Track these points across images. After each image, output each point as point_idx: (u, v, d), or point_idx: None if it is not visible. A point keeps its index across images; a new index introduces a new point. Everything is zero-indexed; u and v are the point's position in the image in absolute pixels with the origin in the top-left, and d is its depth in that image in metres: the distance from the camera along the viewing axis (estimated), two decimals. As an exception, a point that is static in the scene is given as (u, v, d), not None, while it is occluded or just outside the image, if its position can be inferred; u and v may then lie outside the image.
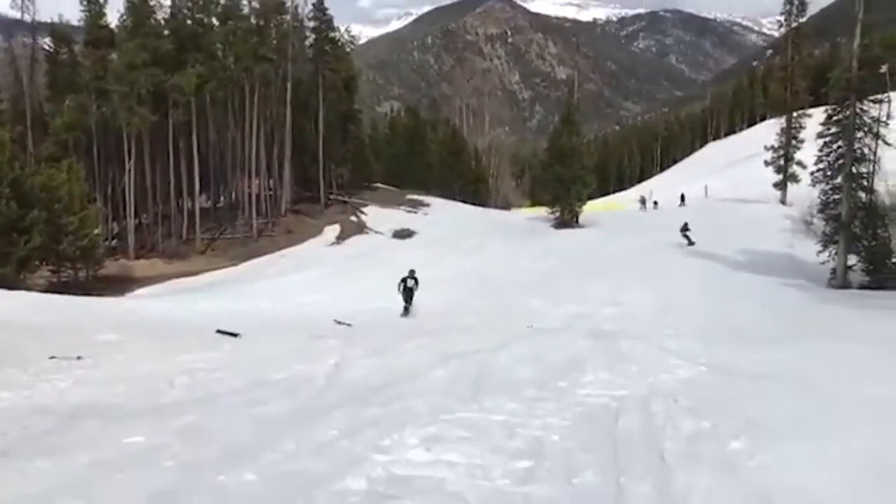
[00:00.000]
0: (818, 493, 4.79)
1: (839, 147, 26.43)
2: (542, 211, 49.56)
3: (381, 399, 8.14)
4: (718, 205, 49.78)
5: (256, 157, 49.73)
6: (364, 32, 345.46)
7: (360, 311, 21.20)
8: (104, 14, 48.26)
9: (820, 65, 66.05)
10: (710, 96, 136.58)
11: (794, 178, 46.98)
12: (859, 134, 25.97)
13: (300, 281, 32.54)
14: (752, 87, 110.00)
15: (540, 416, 7.14)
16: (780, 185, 48.93)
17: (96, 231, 38.03)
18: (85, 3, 47.75)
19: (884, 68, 29.32)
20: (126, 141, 45.19)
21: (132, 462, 5.72)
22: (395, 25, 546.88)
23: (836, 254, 25.88)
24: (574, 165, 45.28)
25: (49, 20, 52.93)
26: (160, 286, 37.63)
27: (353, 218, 50.70)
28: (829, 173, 26.84)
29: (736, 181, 59.77)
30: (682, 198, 52.98)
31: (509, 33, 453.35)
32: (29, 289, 26.77)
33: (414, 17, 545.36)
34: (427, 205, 55.70)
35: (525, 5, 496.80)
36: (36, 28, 52.02)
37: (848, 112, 26.06)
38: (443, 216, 51.78)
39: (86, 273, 37.26)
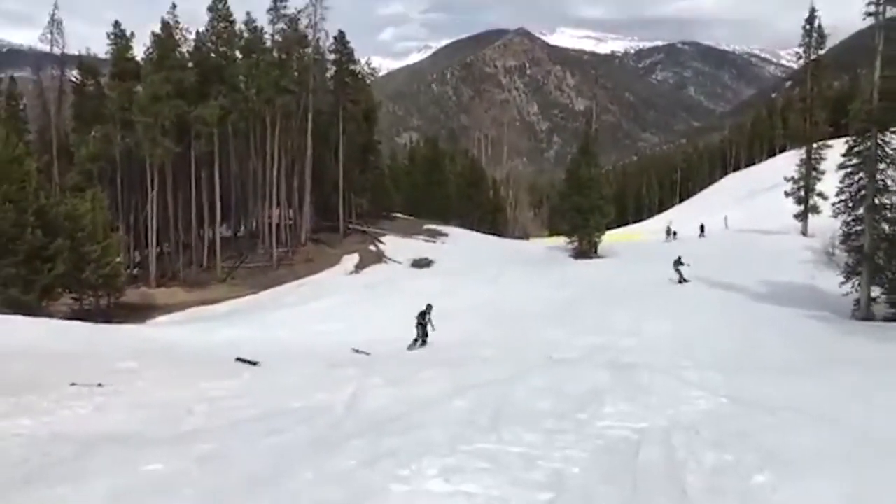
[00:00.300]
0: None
1: (861, 178, 26.21)
2: (561, 241, 49.48)
3: (399, 428, 8.10)
4: (739, 236, 49.44)
5: (277, 186, 50.18)
6: (384, 65, 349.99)
7: (379, 340, 21.17)
8: (131, 47, 49.38)
9: (840, 96, 65.84)
10: (728, 127, 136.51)
11: (815, 210, 46.64)
12: (881, 165, 25.75)
13: (319, 309, 32.59)
14: (771, 119, 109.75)
15: (560, 448, 7.07)
16: (801, 217, 48.57)
17: (118, 259, 38.45)
18: (112, 36, 48.90)
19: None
20: (149, 171, 45.84)
21: (151, 490, 5.74)
22: (415, 58, 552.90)
23: (859, 285, 25.52)
24: (592, 196, 45.27)
25: (77, 53, 54.21)
26: (181, 314, 37.85)
27: (372, 247, 50.86)
28: (850, 204, 26.58)
29: (756, 212, 59.40)
30: (702, 228, 52.61)
31: (528, 65, 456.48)
32: (51, 316, 27.13)
33: (433, 49, 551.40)
34: (445, 234, 55.78)
35: (543, 38, 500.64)
36: (64, 61, 53.31)
37: (869, 143, 25.88)
38: (461, 246, 51.82)
39: (107, 301, 37.63)
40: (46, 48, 51.59)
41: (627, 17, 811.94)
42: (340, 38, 55.80)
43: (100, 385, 10.73)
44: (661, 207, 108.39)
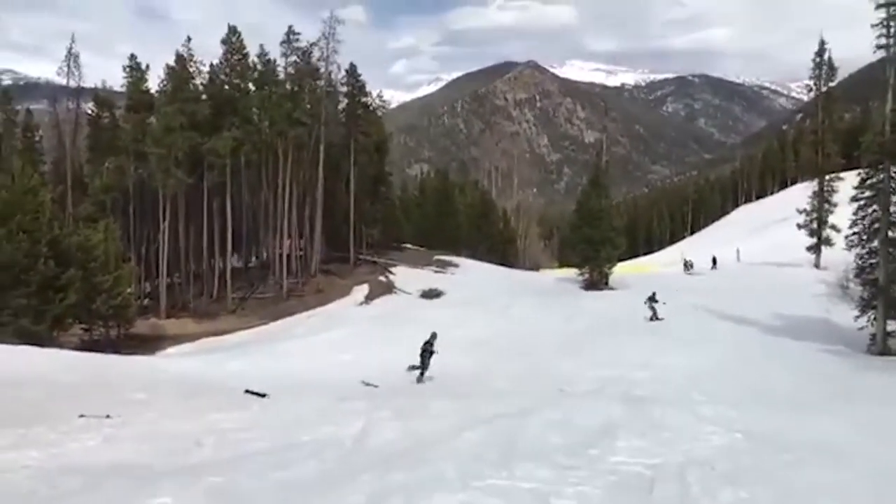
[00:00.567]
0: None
1: (874, 211, 26.05)
2: (571, 272, 49.29)
3: (409, 463, 8.00)
4: (751, 268, 49.16)
5: (288, 217, 50.40)
6: (396, 97, 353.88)
7: (388, 372, 21.06)
8: (146, 79, 50.14)
9: (851, 128, 65.94)
10: (739, 159, 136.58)
11: (828, 242, 46.36)
12: (895, 198, 25.64)
13: (328, 341, 32.50)
14: (782, 151, 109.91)
15: (572, 485, 6.95)
16: (814, 249, 48.28)
17: (129, 290, 38.58)
18: (128, 69, 49.69)
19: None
20: (161, 202, 46.21)
21: (158, 525, 5.66)
22: (426, 90, 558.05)
23: (874, 319, 25.23)
24: (603, 227, 45.17)
25: (93, 86, 55.02)
26: (190, 345, 37.84)
27: (382, 278, 50.82)
28: (864, 237, 26.38)
29: (768, 244, 59.12)
30: (714, 261, 52.29)
31: (538, 98, 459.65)
32: (61, 346, 27.12)
33: (444, 82, 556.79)
34: (455, 265, 55.73)
35: (554, 71, 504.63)
36: (80, 93, 54.10)
37: (882, 176, 25.78)
38: (471, 277, 51.74)
39: (117, 331, 37.69)
40: (63, 81, 52.41)
41: (637, 49, 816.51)
42: (352, 71, 56.43)
43: (108, 417, 10.69)
44: (673, 239, 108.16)
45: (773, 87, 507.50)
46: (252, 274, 52.78)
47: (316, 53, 53.06)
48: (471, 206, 79.54)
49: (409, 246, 64.43)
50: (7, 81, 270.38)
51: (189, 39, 50.21)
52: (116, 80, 51.53)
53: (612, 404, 13.20)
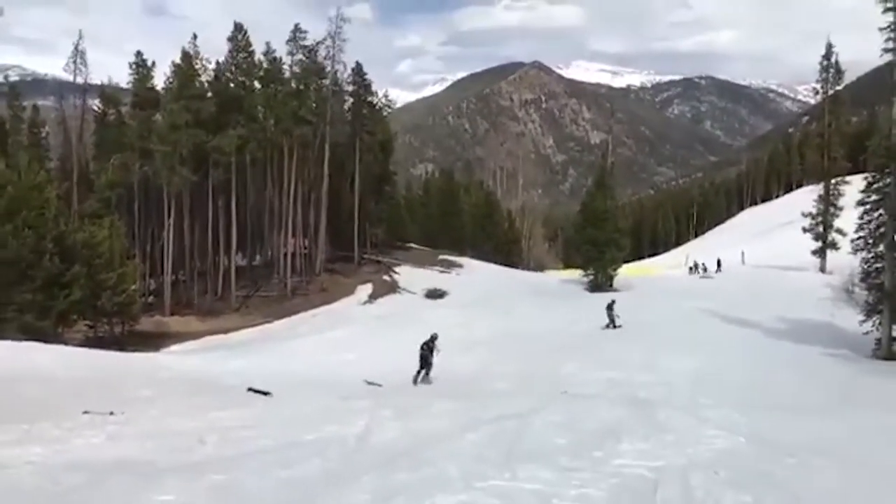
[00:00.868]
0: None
1: (880, 215, 25.98)
2: (576, 274, 49.23)
3: (412, 463, 8.00)
4: (755, 272, 49.05)
5: (293, 216, 50.44)
6: (401, 97, 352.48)
7: (391, 372, 21.06)
8: (152, 76, 50.27)
9: (858, 132, 65.67)
10: (745, 162, 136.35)
11: (834, 246, 46.21)
12: (901, 202, 25.56)
13: (332, 339, 32.56)
14: (788, 154, 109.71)
15: (575, 487, 6.94)
16: (819, 253, 48.13)
17: (134, 287, 38.66)
18: (134, 66, 49.82)
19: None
20: (166, 199, 46.33)
21: (161, 522, 5.67)
22: (432, 90, 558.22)
23: (879, 324, 25.15)
24: (608, 228, 45.11)
25: (99, 82, 55.12)
26: (194, 343, 37.91)
27: (386, 277, 50.85)
28: (870, 241, 26.32)
29: (773, 248, 59.01)
30: (718, 263, 52.10)
31: (543, 99, 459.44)
32: (65, 343, 27.18)
33: (450, 82, 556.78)
34: (460, 265, 55.72)
35: (559, 72, 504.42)
36: (86, 90, 54.23)
37: (888, 180, 25.72)
38: (475, 277, 51.73)
39: (122, 328, 37.77)
40: (69, 77, 52.54)
41: (643, 51, 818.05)
42: (358, 70, 56.45)
43: (112, 413, 10.71)
44: (678, 242, 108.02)
45: (779, 89, 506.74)
46: (256, 272, 52.85)
47: (322, 52, 53.17)
48: (475, 206, 79.52)
49: (413, 245, 64.46)
50: (14, 77, 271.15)
51: (195, 37, 50.31)
52: (123, 76, 51.72)
53: (616, 407, 13.18)
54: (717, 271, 50.88)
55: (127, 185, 47.98)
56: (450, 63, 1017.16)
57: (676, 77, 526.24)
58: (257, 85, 52.31)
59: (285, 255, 49.79)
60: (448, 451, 8.86)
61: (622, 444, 9.32)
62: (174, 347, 36.81)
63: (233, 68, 51.75)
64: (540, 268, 77.81)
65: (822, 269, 45.98)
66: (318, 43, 52.84)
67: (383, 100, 60.49)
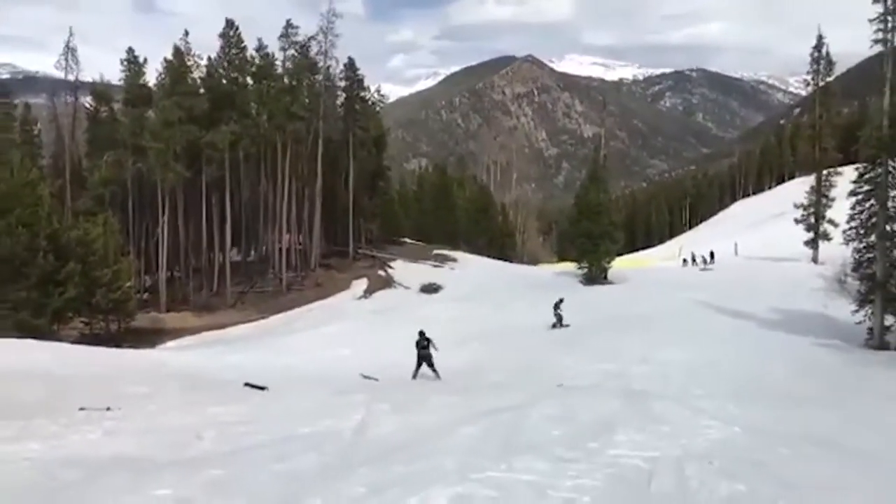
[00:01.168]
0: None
1: (871, 205, 26.11)
2: (570, 267, 49.33)
3: (407, 456, 8.04)
4: (749, 263, 49.23)
5: (287, 212, 50.43)
6: (394, 91, 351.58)
7: (387, 366, 21.12)
8: (144, 73, 50.02)
9: (848, 123, 65.93)
10: (737, 154, 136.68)
11: (826, 237, 46.41)
12: (892, 192, 25.67)
13: (328, 334, 32.58)
14: (780, 146, 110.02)
15: (571, 478, 6.98)
16: (812, 244, 48.33)
17: (129, 284, 38.60)
18: (126, 63, 49.58)
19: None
20: (160, 196, 46.22)
21: (159, 516, 5.69)
22: (424, 85, 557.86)
23: (872, 314, 25.31)
24: (602, 221, 45.18)
25: (91, 80, 54.83)
26: (190, 339, 37.90)
27: (381, 272, 50.90)
28: (861, 232, 26.44)
29: (766, 239, 59.20)
30: (712, 255, 52.13)
31: (536, 92, 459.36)
32: (61, 340, 27.16)
33: (442, 76, 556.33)
34: (454, 260, 55.79)
35: (552, 65, 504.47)
36: (78, 87, 53.97)
37: (880, 170, 25.84)
38: (470, 271, 51.80)
39: (117, 325, 37.74)
40: (61, 75, 52.24)
41: (635, 44, 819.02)
42: (350, 65, 56.35)
43: (109, 409, 10.72)
44: (671, 234, 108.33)
45: (770, 81, 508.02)
46: (251, 268, 52.82)
47: (314, 47, 53.08)
48: (469, 200, 79.63)
49: (407, 240, 64.49)
50: (5, 75, 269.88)
51: (187, 33, 50.12)
52: (114, 73, 51.47)
53: (611, 398, 13.25)
54: (710, 263, 50.94)
55: (120, 182, 47.85)
56: (442, 57, 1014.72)
57: (668, 70, 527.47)
58: (250, 81, 52.19)
59: (280, 250, 49.79)
60: (444, 443, 8.90)
61: (617, 436, 9.38)
62: (170, 343, 36.80)
63: (225, 64, 51.57)
64: (534, 261, 77.97)
65: (815, 260, 46.21)
66: (310, 38, 52.76)
67: (376, 95, 60.48)
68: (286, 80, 52.16)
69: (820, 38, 49.96)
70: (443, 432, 9.71)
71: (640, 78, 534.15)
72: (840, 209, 34.06)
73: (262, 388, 14.56)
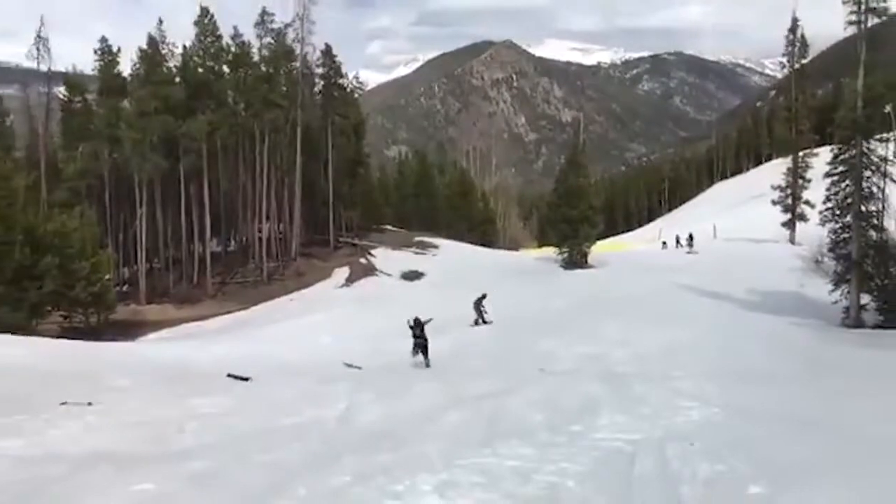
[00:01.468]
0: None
1: (847, 186, 26.43)
2: (550, 251, 49.49)
3: (392, 444, 8.08)
4: (727, 245, 49.63)
5: (267, 201, 50.06)
6: (372, 78, 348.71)
7: (370, 354, 21.11)
8: (118, 62, 49.24)
9: (824, 105, 66.53)
10: (715, 137, 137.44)
11: (803, 218, 46.92)
12: (867, 173, 26.02)
13: (310, 324, 32.48)
14: (756, 128, 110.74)
15: (554, 461, 7.06)
16: (789, 225, 48.86)
17: (108, 276, 38.18)
18: (99, 52, 48.82)
19: (888, 108, 29.43)
20: (137, 187, 45.68)
21: (143, 510, 5.68)
22: (403, 71, 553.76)
23: (848, 293, 25.69)
24: (582, 206, 45.32)
25: (64, 70, 53.93)
26: (171, 331, 37.63)
27: (363, 260, 50.74)
28: (837, 212, 26.78)
29: (744, 221, 59.66)
30: (691, 238, 52.29)
31: (514, 78, 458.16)
32: (40, 334, 26.83)
33: (421, 62, 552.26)
34: (435, 246, 55.74)
35: (530, 50, 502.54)
36: (51, 77, 53.07)
37: (855, 151, 26.15)
38: (451, 257, 51.80)
39: (97, 318, 37.32)
40: (33, 65, 51.32)
41: (613, 28, 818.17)
42: (328, 52, 55.80)
43: (90, 404, 10.63)
44: (650, 217, 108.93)
45: (747, 64, 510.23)
46: (231, 258, 52.46)
47: (290, 35, 52.48)
48: (450, 186, 79.57)
49: (389, 228, 64.32)
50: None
51: (161, 22, 49.35)
52: (87, 63, 50.65)
53: (593, 382, 13.37)
54: (689, 245, 51.11)
55: (97, 173, 47.20)
56: (420, 43, 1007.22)
57: (646, 53, 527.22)
58: (226, 69, 51.60)
59: (260, 240, 49.45)
60: (428, 431, 8.95)
61: (600, 419, 9.48)
62: (151, 336, 36.53)
63: (200, 53, 50.89)
64: (515, 247, 78.11)
65: (792, 241, 46.73)
66: (286, 26, 52.17)
67: (354, 82, 60.06)
68: (263, 68, 51.60)
69: (795, 20, 50.39)
70: (427, 419, 9.75)
71: (619, 62, 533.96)
72: (816, 190, 34.45)
73: (245, 379, 14.51)
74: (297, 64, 53.23)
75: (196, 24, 50.41)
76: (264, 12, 51.69)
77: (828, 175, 27.42)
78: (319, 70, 55.99)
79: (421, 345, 19.16)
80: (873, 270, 25.39)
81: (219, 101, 48.84)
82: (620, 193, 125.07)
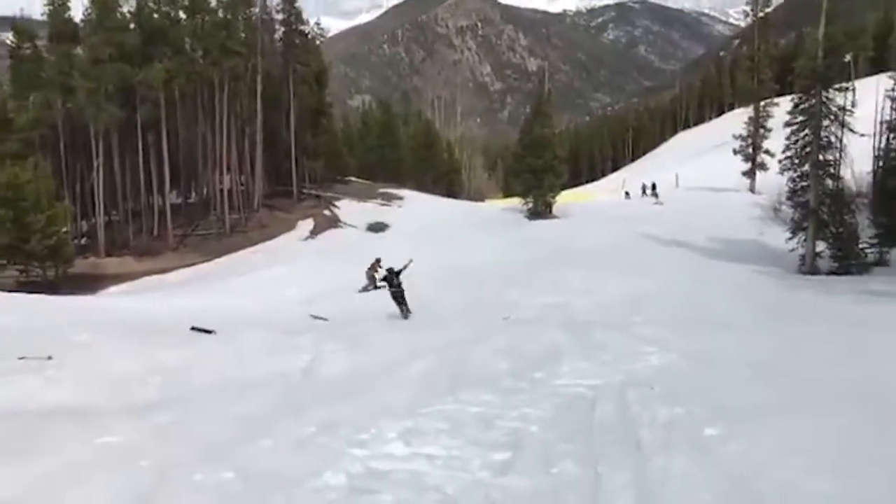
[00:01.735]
0: (788, 475, 4.87)
1: (806, 135, 26.79)
2: (516, 202, 49.64)
3: (357, 394, 8.13)
4: (689, 194, 50.21)
5: (227, 152, 49.11)
6: (334, 25, 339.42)
7: (336, 306, 21.12)
8: (69, 7, 47.31)
9: (785, 55, 66.82)
10: (679, 86, 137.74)
11: (763, 167, 47.59)
12: (825, 122, 26.37)
13: (274, 276, 32.28)
14: (720, 77, 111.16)
15: (517, 408, 7.17)
16: (749, 174, 49.53)
17: (65, 229, 37.40)
18: (49, -4, 46.84)
19: (847, 57, 29.71)
20: (93, 138, 44.36)
21: (106, 464, 5.65)
22: (365, 18, 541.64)
23: (804, 241, 26.26)
24: (546, 156, 45.36)
25: (11, 14, 51.74)
26: (132, 284, 37.15)
27: (327, 212, 50.37)
28: (796, 161, 27.19)
29: (706, 170, 60.30)
30: (654, 187, 52.54)
31: (479, 25, 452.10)
32: (-4, 289, 26.29)
33: (384, 9, 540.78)
34: (400, 198, 55.53)
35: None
36: (-3, 22, 50.98)
37: (814, 101, 26.44)
38: (416, 209, 51.69)
39: (55, 272, 36.63)
40: (-23, 10, 49.18)
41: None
42: (288, -3, 54.35)
43: (50, 358, 10.48)
44: (615, 167, 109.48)
45: (711, 12, 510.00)
46: (192, 210, 51.60)
47: (249, -21, 50.89)
48: (414, 137, 78.88)
49: (353, 179, 63.77)
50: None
51: (114, -36, 47.38)
52: (37, 7, 48.59)
53: (556, 330, 13.54)
54: (653, 193, 51.45)
55: (50, 123, 45.68)
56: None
57: (611, 1, 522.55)
58: (182, 15, 49.92)
59: (221, 191, 48.67)
60: (393, 380, 9.02)
61: (562, 366, 9.63)
62: (112, 289, 36.04)
63: (155, -3, 49.18)
64: (480, 197, 78.17)
65: (752, 190, 47.43)
66: (244, -31, 50.53)
67: (315, 28, 58.58)
68: (221, 13, 50.05)
69: (759, -33, 50.22)
70: (392, 369, 9.82)
71: (584, 10, 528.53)
72: (777, 140, 34.85)
73: (209, 332, 14.41)
74: (257, 10, 51.82)
75: (150, -34, 48.56)
76: (221, -45, 49.94)
77: (788, 124, 27.77)
78: (279, 16, 54.55)
79: (399, 294, 18.96)
80: (829, 218, 25.95)
81: (176, 49, 47.37)
82: (585, 143, 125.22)
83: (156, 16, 48.80)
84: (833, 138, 26.50)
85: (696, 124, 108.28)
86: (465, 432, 6.32)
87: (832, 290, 20.79)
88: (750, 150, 49.75)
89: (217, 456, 5.73)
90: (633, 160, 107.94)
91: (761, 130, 49.32)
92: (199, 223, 48.85)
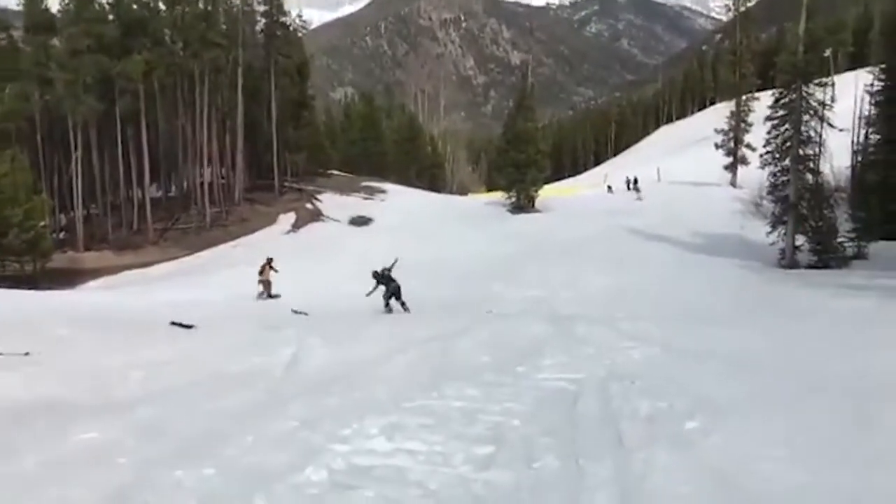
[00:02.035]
0: (769, 467, 4.91)
1: (786, 130, 27.04)
2: (499, 196, 49.70)
3: (339, 388, 8.08)
4: (671, 188, 50.42)
5: (208, 144, 48.75)
6: (316, 17, 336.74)
7: (317, 300, 21.04)
8: (45, -2, 46.72)
9: (767, 49, 67.41)
10: (661, 80, 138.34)
11: (744, 161, 47.90)
12: (805, 117, 26.62)
13: (255, 270, 32.07)
14: (702, 71, 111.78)
15: (499, 402, 7.16)
16: (731, 168, 49.85)
17: (43, 223, 37.02)
18: (24, -14, 46.17)
19: (827, 52, 29.99)
20: (72, 130, 43.88)
21: (84, 460, 5.58)
22: (348, 9, 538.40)
23: (784, 234, 26.52)
24: (529, 150, 45.48)
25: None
26: (112, 278, 36.80)
27: (309, 205, 50.15)
28: (777, 155, 27.44)
29: (688, 164, 60.57)
30: (635, 181, 52.59)
31: (463, 18, 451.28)
32: (-28, 284, 25.97)
33: (367, 0, 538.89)
34: (384, 191, 55.43)
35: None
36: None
37: (795, 95, 26.67)
38: (399, 202, 51.60)
39: (33, 266, 36.25)
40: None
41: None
42: (269, -12, 53.94)
43: (28, 354, 10.37)
44: (597, 161, 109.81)
45: (693, 6, 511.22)
46: (173, 204, 51.22)
47: (229, -30, 50.47)
48: (398, 131, 78.78)
49: (335, 173, 63.56)
50: None
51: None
52: (11, -1, 47.90)
53: (539, 324, 13.57)
54: (635, 188, 51.56)
55: (26, 115, 45.12)
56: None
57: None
58: (162, 6, 49.41)
59: (202, 185, 48.30)
60: (376, 374, 8.98)
61: (544, 359, 9.63)
62: (91, 284, 35.71)
63: (134, -12, 48.60)
64: (463, 191, 78.24)
65: (734, 184, 47.76)
66: (224, -40, 50.10)
67: (297, 20, 58.28)
68: (201, 4, 49.60)
69: (740, -38, 50.46)
70: (375, 363, 9.78)
71: (567, 3, 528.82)
72: (758, 134, 35.11)
73: (189, 327, 14.32)
74: (237, 0, 51.34)
75: (129, -44, 47.97)
76: (202, -54, 49.45)
77: (768, 119, 28.01)
78: (261, 7, 54.19)
79: (395, 289, 18.66)
80: (808, 213, 26.23)
81: (155, 40, 46.92)
82: (568, 137, 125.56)
83: (135, 6, 48.35)
84: (813, 133, 26.78)
85: (678, 118, 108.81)
86: (448, 427, 6.31)
87: (812, 283, 20.99)
88: (731, 144, 50.09)
89: (197, 452, 5.68)
90: (615, 154, 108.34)
91: (743, 125, 49.66)
92: (179, 217, 48.50)
